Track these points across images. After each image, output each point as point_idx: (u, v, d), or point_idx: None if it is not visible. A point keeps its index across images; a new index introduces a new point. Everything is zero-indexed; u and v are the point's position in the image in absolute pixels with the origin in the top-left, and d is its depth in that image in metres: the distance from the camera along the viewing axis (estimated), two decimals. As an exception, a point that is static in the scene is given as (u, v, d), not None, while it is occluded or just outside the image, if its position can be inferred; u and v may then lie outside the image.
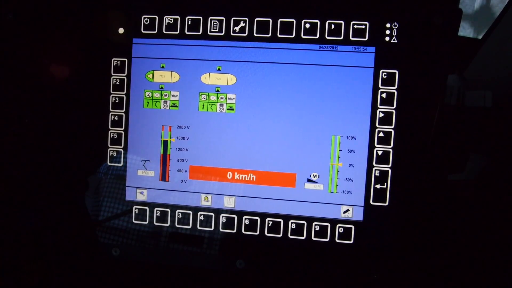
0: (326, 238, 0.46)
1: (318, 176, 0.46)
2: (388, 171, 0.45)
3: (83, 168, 0.50)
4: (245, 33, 0.46)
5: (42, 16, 0.50)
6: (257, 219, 0.47)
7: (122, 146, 0.49)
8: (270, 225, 0.47)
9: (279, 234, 0.47)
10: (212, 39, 0.47)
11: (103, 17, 0.48)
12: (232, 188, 0.47)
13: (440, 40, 0.43)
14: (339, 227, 0.46)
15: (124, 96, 0.48)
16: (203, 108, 0.47)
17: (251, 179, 0.47)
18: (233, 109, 0.47)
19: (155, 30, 0.47)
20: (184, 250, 0.48)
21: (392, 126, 0.45)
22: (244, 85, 0.46)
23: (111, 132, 0.49)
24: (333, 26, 0.45)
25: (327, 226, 0.46)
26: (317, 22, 0.45)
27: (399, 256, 0.45)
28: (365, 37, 0.45)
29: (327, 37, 0.45)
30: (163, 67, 0.48)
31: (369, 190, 0.45)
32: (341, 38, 0.45)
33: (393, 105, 0.44)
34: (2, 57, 0.51)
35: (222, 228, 0.48)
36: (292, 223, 0.47)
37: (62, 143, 0.50)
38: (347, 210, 0.46)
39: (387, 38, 0.44)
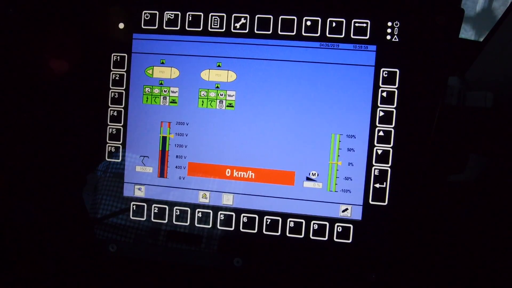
0: (325, 237, 0.46)
1: (317, 174, 0.46)
2: (387, 170, 0.45)
3: (81, 164, 0.50)
4: (245, 29, 0.46)
5: (42, 11, 0.49)
6: (255, 217, 0.47)
7: (120, 142, 0.49)
8: (268, 223, 0.47)
9: (277, 232, 0.47)
10: (212, 35, 0.46)
11: (103, 12, 0.48)
12: (230, 185, 0.47)
13: (442, 39, 0.43)
14: (338, 226, 0.46)
15: (124, 91, 0.48)
16: (202, 104, 0.47)
17: (250, 177, 0.47)
18: (232, 106, 0.46)
19: (155, 26, 0.47)
20: (181, 247, 0.48)
21: (392, 125, 0.44)
22: (244, 82, 0.46)
23: (110, 128, 0.49)
24: (334, 24, 0.45)
25: (326, 225, 0.46)
26: (318, 20, 0.45)
27: (398, 256, 0.45)
28: (366, 36, 0.44)
29: (328, 35, 0.45)
30: (163, 63, 0.47)
31: (368, 189, 0.45)
32: (342, 36, 0.45)
33: (393, 104, 0.44)
34: (2, 51, 0.50)
35: (220, 226, 0.47)
36: (290, 221, 0.46)
37: (61, 138, 0.50)
38: (346, 209, 0.46)
39: (388, 37, 0.44)
